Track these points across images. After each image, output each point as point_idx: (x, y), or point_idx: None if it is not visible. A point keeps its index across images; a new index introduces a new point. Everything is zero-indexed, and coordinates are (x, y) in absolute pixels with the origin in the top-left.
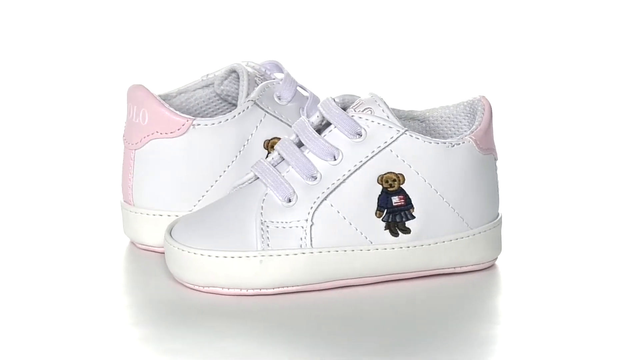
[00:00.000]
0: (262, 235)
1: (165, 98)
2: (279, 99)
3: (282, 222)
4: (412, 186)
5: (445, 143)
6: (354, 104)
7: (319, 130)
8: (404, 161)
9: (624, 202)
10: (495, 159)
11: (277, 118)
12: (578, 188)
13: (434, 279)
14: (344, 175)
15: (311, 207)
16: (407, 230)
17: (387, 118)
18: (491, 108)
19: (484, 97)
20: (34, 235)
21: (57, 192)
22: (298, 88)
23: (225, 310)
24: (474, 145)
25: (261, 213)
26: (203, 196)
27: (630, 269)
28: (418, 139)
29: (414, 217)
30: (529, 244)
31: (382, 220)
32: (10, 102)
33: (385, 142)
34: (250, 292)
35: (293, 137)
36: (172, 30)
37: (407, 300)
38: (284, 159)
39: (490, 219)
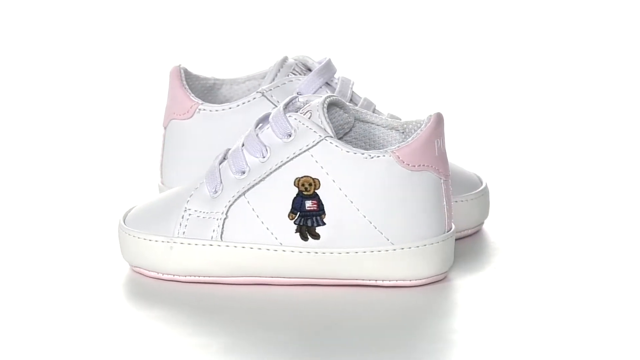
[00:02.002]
0: (180, 222)
1: (219, 84)
2: (298, 94)
3: (203, 212)
4: (327, 193)
5: (363, 154)
6: (305, 106)
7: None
8: (322, 167)
9: (611, 207)
10: (442, 178)
11: None
12: (562, 196)
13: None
14: (265, 173)
15: (229, 201)
16: (316, 236)
17: (319, 123)
18: (437, 126)
19: (436, 114)
20: (54, 224)
21: (85, 180)
22: (324, 87)
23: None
24: (395, 160)
25: (187, 201)
26: None
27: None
28: (337, 146)
29: (324, 223)
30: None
31: (294, 222)
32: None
33: (307, 146)
34: (166, 276)
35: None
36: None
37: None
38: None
39: (423, 236)
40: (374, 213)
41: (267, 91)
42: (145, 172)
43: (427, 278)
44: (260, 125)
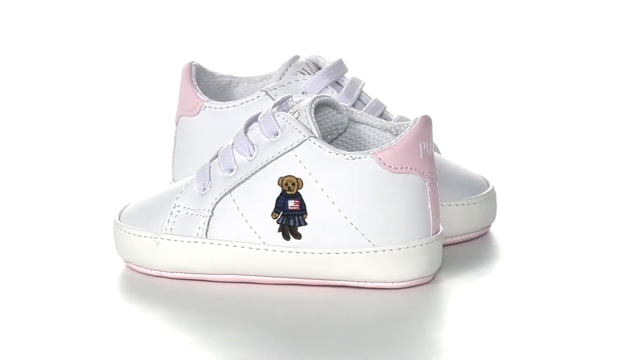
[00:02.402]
0: (169, 219)
1: (235, 82)
2: (303, 94)
3: (190, 209)
4: (309, 193)
5: (345, 155)
6: (295, 106)
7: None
8: (305, 167)
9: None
10: (427, 181)
11: None
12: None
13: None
14: (251, 171)
15: (215, 199)
16: (298, 236)
17: (305, 123)
18: (423, 129)
19: (422, 116)
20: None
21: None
22: (331, 87)
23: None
24: (377, 162)
25: (177, 197)
26: None
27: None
28: (320, 147)
29: (306, 223)
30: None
31: (277, 222)
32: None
33: (292, 145)
34: (154, 272)
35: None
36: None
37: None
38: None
39: (406, 239)
40: (355, 214)
41: (271, 90)
42: (155, 169)
43: (410, 281)
44: (252, 124)
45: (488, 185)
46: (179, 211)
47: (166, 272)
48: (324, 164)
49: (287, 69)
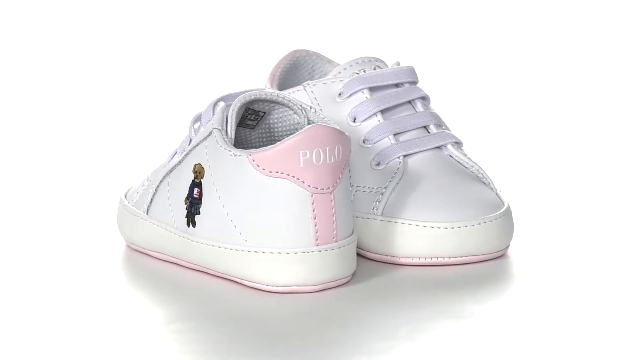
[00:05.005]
0: (137, 191)
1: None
2: (339, 95)
3: (149, 180)
4: (206, 184)
5: (230, 152)
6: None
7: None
8: (207, 160)
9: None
10: (308, 191)
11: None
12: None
13: None
14: (183, 156)
15: (162, 176)
16: (194, 224)
17: (222, 115)
18: (306, 138)
19: (312, 125)
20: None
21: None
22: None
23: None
24: (250, 162)
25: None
26: None
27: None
28: (217, 141)
29: (200, 213)
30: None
31: (186, 208)
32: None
33: (205, 135)
34: (133, 246)
35: None
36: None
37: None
38: None
39: (281, 245)
40: (234, 212)
41: (307, 85)
42: None
43: (284, 287)
44: None
45: (503, 204)
46: (157, 190)
47: (142, 248)
48: (217, 158)
49: (345, 68)
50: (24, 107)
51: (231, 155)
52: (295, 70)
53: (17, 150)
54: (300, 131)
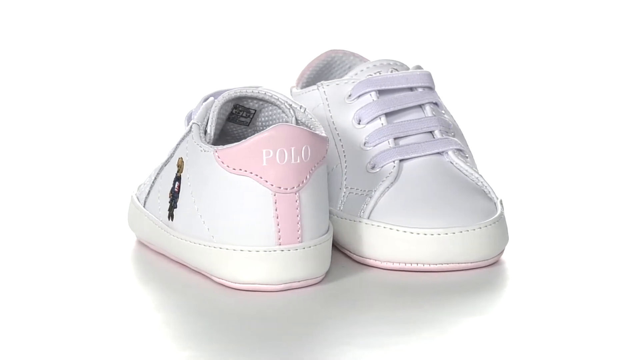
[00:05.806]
0: (148, 190)
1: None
2: (349, 96)
3: (150, 175)
4: (184, 177)
5: (200, 147)
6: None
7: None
8: (187, 155)
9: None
10: (271, 190)
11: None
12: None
13: None
14: (173, 151)
15: (155, 177)
16: (172, 217)
17: (205, 111)
18: (270, 137)
19: (277, 125)
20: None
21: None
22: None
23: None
24: (215, 159)
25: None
26: None
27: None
28: (193, 137)
29: (177, 206)
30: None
31: (169, 201)
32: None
33: (187, 131)
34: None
35: None
36: None
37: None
38: None
39: (245, 243)
40: (203, 207)
41: (321, 85)
42: None
43: (247, 284)
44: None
45: (496, 210)
46: (153, 184)
47: (137, 237)
48: (192, 153)
49: (362, 69)
50: (40, 103)
51: (201, 151)
52: (328, 70)
53: (27, 146)
54: (264, 130)
